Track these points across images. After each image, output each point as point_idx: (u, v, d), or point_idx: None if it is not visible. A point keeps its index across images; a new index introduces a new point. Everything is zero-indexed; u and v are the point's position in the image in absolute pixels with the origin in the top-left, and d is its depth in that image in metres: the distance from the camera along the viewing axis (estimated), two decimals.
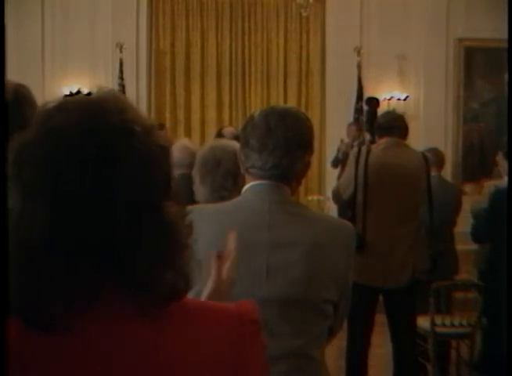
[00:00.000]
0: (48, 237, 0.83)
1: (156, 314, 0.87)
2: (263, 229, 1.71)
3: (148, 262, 0.86)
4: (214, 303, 0.98)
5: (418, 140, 8.53)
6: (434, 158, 4.81)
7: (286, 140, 1.70)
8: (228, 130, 6.40)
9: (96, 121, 0.85)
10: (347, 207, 4.11)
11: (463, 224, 4.90)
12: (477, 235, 4.07)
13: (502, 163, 4.29)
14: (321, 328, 1.75)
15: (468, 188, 7.47)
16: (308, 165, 1.78)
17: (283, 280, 1.67)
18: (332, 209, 8.31)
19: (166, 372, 0.88)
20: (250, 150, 1.74)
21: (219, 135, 6.09)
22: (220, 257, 1.21)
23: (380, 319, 3.96)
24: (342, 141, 8.16)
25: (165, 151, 0.90)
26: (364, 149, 3.99)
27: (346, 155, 8.13)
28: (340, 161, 8.27)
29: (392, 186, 3.83)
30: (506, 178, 4.17)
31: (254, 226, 1.71)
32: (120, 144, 0.85)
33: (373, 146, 4.06)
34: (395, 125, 4.00)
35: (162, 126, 7.72)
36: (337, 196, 4.17)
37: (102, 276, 0.85)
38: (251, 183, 1.77)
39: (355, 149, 4.14)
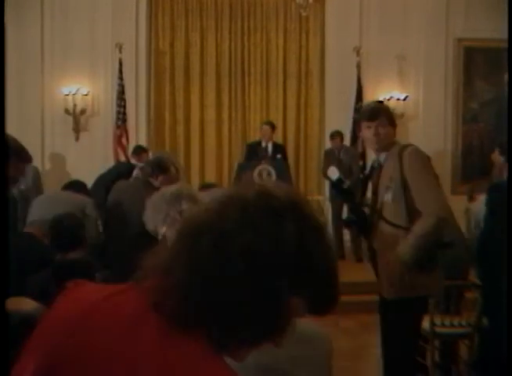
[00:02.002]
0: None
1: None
2: None
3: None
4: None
5: (418, 140, 8.56)
6: None
7: None
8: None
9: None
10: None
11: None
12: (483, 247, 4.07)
13: (498, 159, 4.34)
14: None
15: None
16: None
17: None
18: (331, 210, 8.32)
19: None
20: None
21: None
22: None
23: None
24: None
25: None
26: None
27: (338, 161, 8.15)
28: None
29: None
30: (504, 174, 4.19)
31: None
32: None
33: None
34: None
35: (144, 150, 7.39)
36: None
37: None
38: None
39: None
